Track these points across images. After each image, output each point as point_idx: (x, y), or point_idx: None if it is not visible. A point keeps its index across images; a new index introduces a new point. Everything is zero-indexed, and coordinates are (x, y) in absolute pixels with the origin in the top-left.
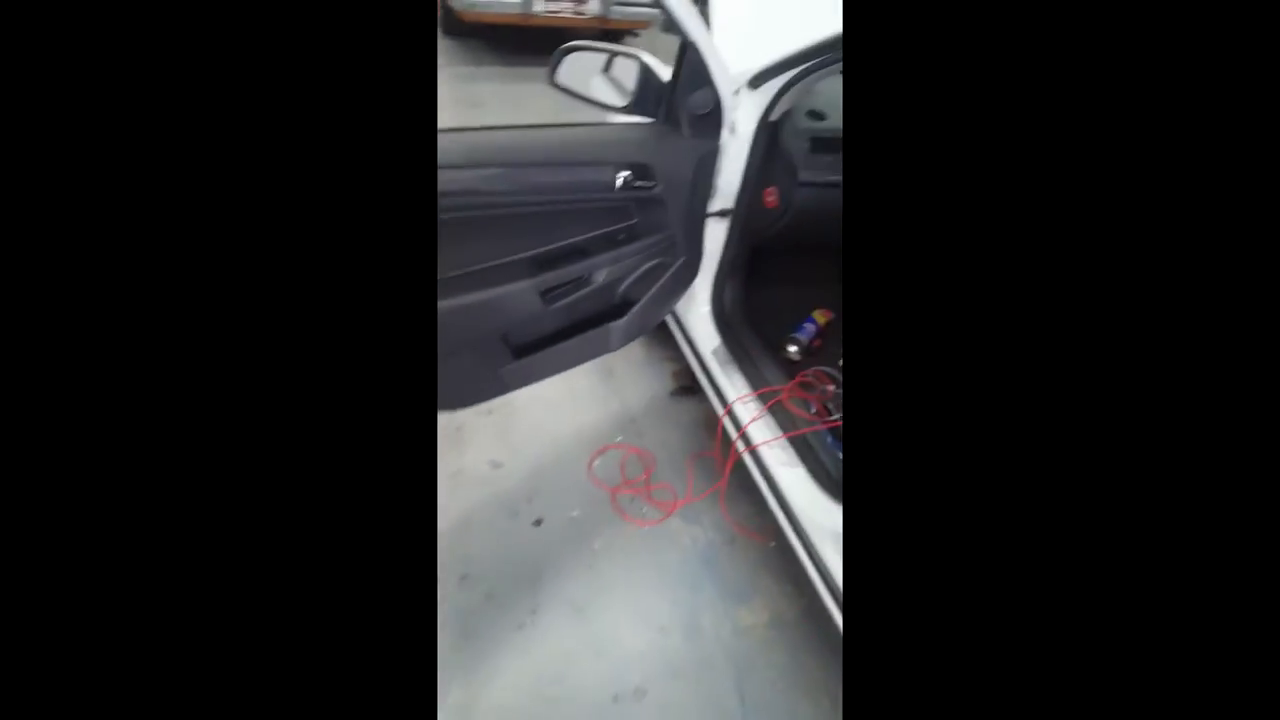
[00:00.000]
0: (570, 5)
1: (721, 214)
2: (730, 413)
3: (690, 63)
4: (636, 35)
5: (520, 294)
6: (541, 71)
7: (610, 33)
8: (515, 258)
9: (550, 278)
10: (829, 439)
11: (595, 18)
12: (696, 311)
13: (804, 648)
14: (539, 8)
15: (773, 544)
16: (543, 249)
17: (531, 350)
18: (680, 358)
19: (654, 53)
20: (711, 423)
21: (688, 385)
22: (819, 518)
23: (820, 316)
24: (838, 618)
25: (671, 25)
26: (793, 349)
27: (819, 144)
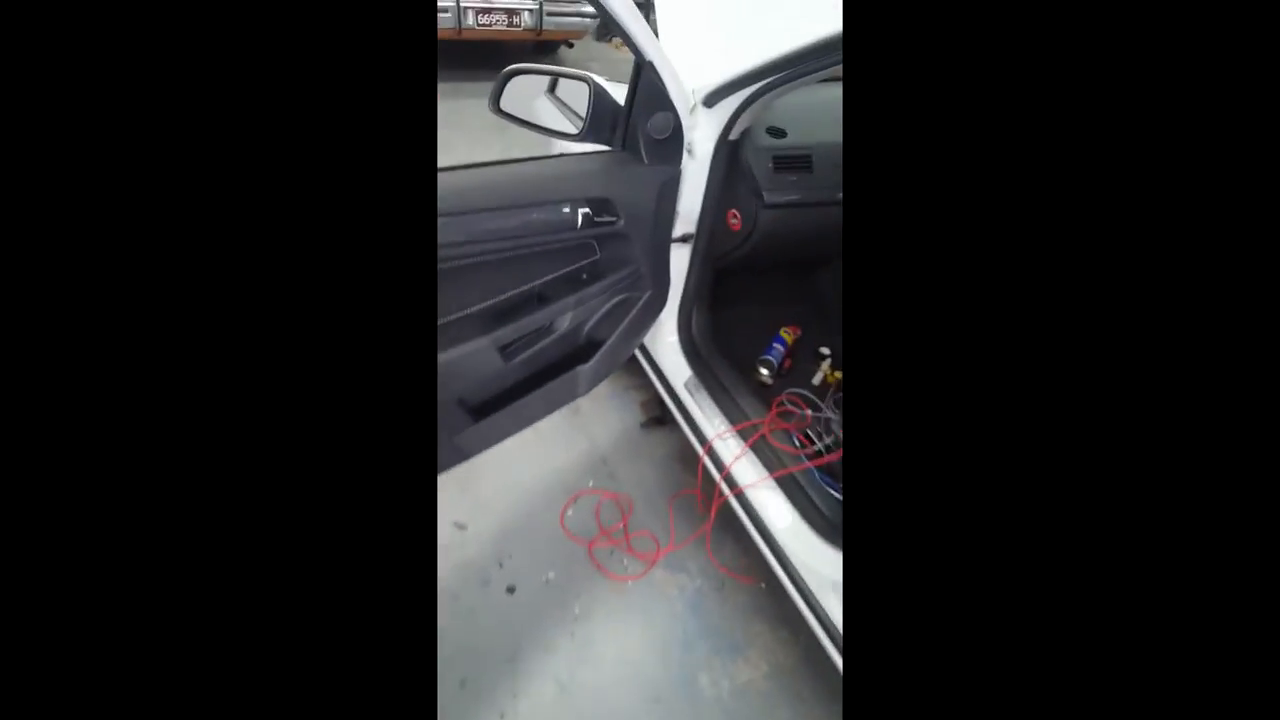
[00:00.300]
0: (503, 18)
1: (683, 239)
2: (710, 451)
3: (646, 85)
4: (571, 46)
5: (476, 354)
6: (479, 87)
7: (544, 44)
8: (467, 312)
9: (509, 331)
10: (817, 474)
11: (528, 30)
12: (664, 341)
13: (807, 697)
14: (471, 21)
15: (763, 585)
16: (499, 298)
17: (491, 409)
18: (648, 386)
19: (592, 60)
20: (687, 455)
21: (658, 416)
22: (817, 565)
23: (788, 335)
24: (839, 662)
25: (606, 32)
26: (764, 372)
27: (782, 162)
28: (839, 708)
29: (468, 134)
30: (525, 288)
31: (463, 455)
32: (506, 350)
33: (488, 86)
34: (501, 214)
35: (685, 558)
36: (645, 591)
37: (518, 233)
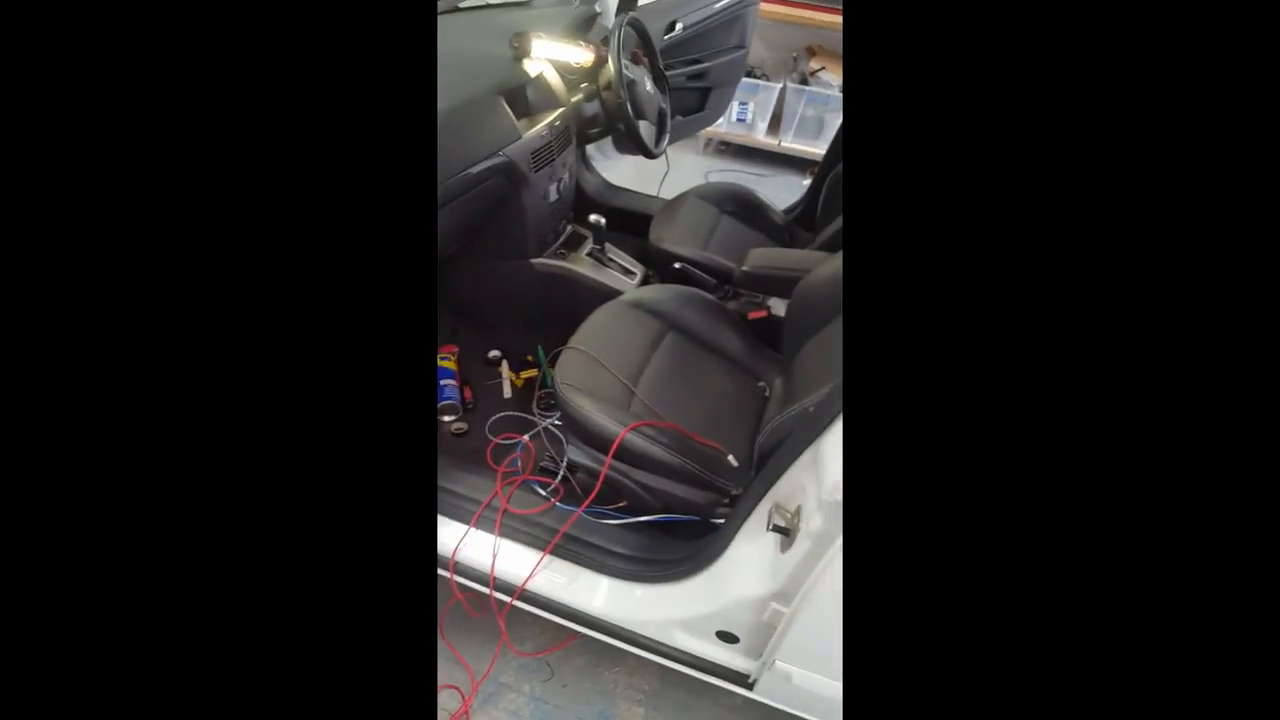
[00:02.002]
0: None
1: None
2: (459, 567)
3: None
4: None
5: None
6: None
7: None
8: None
9: None
10: (588, 516)
11: None
12: None
13: (690, 704)
14: None
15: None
16: None
17: None
18: None
19: None
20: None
21: None
22: (650, 616)
23: (447, 360)
24: (704, 678)
25: None
26: (450, 419)
27: None
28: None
29: None
30: None
31: None
32: None
33: None
34: None
35: (498, 687)
36: None
37: None
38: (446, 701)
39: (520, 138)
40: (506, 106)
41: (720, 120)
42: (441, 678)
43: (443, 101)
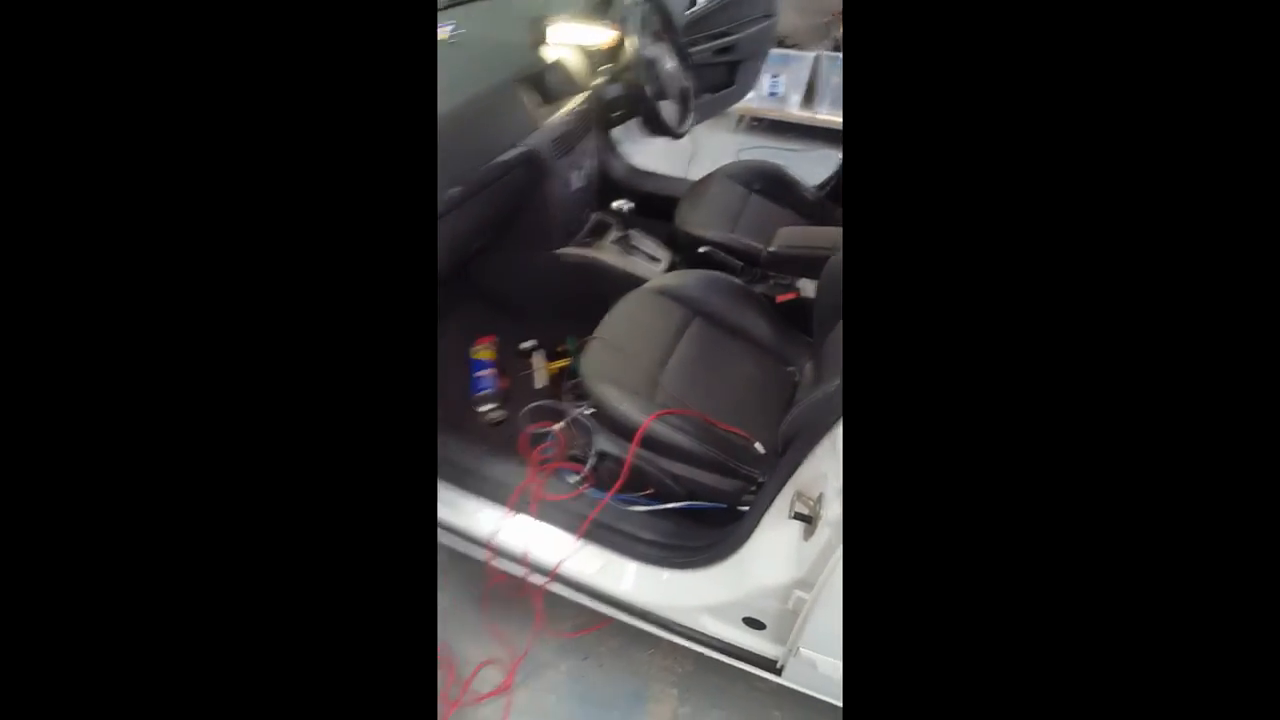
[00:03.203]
0: None
1: None
2: (497, 552)
3: None
4: None
5: None
6: None
7: None
8: None
9: None
10: (614, 504)
11: None
12: None
13: (726, 687)
14: None
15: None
16: None
17: None
18: None
19: None
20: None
21: None
22: (677, 600)
23: (484, 352)
24: (734, 664)
25: None
26: (488, 409)
27: None
28: (756, 690)
29: None
30: None
31: None
32: None
33: None
34: None
35: (538, 664)
36: None
37: None
38: (489, 676)
39: (540, 126)
40: (525, 95)
41: (751, 95)
42: (484, 654)
43: (460, 95)
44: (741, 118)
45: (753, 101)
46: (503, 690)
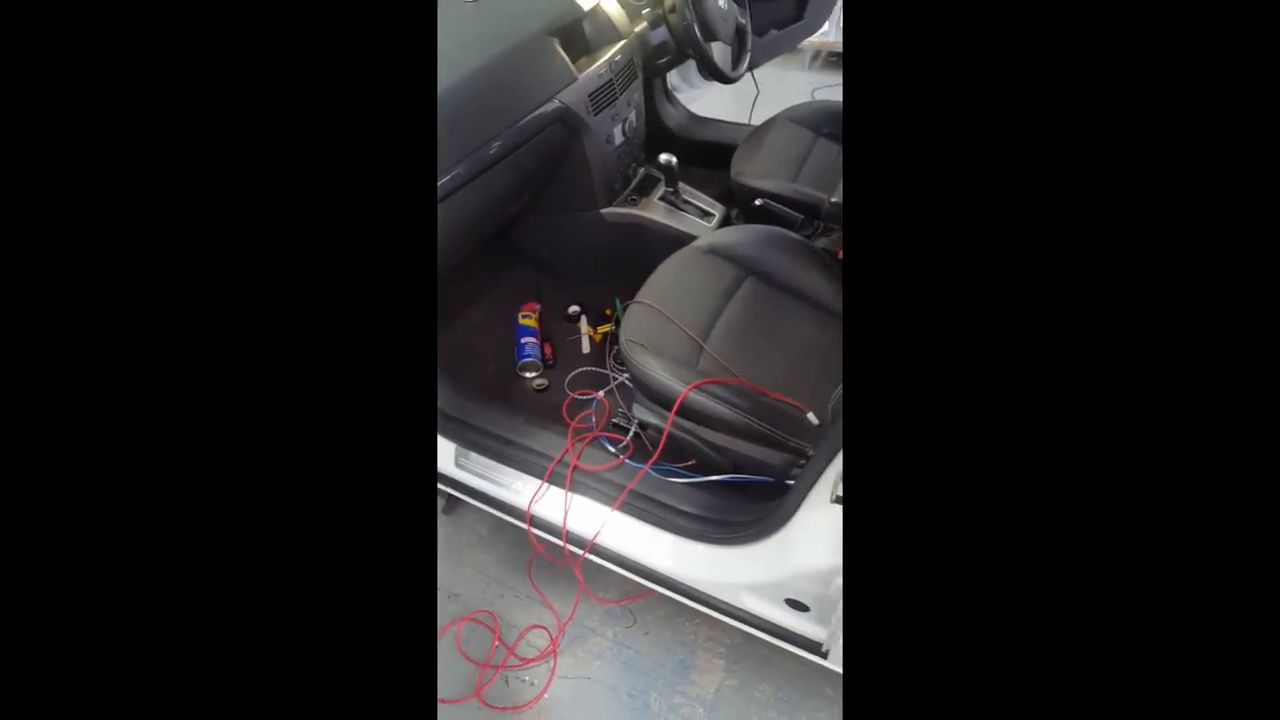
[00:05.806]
0: None
1: None
2: (535, 520)
3: None
4: None
5: None
6: None
7: None
8: None
9: None
10: (654, 474)
11: None
12: None
13: (773, 662)
14: None
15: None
16: None
17: None
18: None
19: None
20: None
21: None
22: (717, 577)
23: (529, 319)
24: (777, 643)
25: None
26: (532, 376)
27: None
28: (805, 666)
29: None
30: None
31: None
32: None
33: None
34: None
35: (583, 630)
36: (569, 688)
37: None
38: (536, 640)
39: (576, 79)
40: (559, 47)
41: (827, 28)
42: (530, 618)
43: (486, 52)
44: (817, 53)
45: (829, 35)
46: (547, 654)
